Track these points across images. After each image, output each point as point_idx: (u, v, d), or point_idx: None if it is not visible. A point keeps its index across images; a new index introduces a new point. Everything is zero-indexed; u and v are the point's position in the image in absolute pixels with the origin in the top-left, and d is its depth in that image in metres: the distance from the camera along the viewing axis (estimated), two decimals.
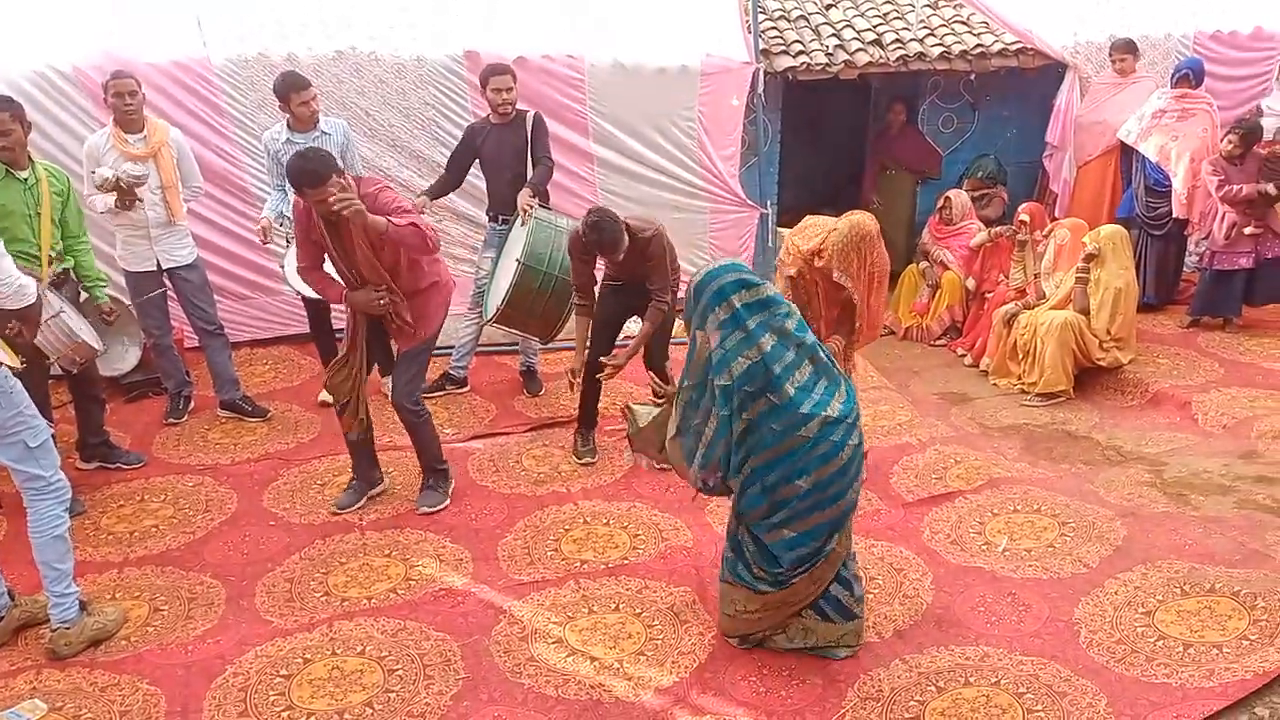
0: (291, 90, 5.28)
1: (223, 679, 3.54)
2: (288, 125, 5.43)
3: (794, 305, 3.45)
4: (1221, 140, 6.78)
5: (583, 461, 5.16)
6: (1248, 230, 6.63)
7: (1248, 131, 6.65)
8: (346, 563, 4.29)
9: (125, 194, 5.04)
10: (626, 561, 4.29)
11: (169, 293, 5.49)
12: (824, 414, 3.29)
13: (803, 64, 7.31)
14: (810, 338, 3.39)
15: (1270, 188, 6.54)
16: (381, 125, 6.51)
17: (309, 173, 4.04)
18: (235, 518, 4.68)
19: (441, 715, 3.36)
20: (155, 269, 5.34)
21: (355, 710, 3.38)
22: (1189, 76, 7.14)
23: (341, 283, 4.43)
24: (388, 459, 5.12)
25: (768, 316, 3.28)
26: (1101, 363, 6.08)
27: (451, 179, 5.83)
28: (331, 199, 4.05)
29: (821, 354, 3.40)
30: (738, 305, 3.26)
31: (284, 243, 5.64)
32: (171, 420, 5.62)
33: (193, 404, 5.77)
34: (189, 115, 6.13)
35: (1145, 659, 3.50)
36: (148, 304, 5.41)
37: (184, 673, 3.58)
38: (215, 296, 5.73)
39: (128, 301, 5.53)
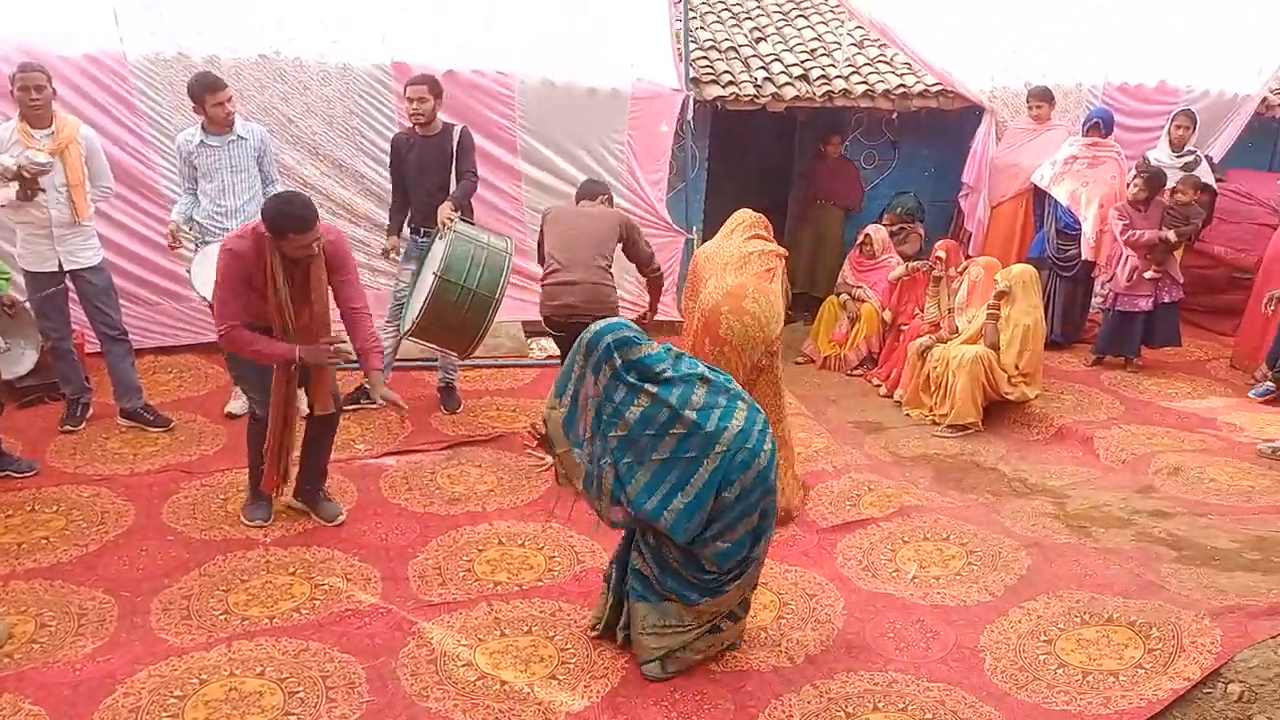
0: (206, 91, 5.14)
1: (112, 700, 3.37)
2: (202, 128, 5.28)
3: (674, 347, 3.63)
4: (1128, 186, 7.07)
5: None
6: (1148, 274, 6.92)
7: (1151, 177, 6.94)
8: (248, 580, 4.14)
9: (28, 184, 4.83)
10: (541, 583, 4.24)
11: (71, 295, 5.27)
12: (731, 425, 3.42)
13: (732, 94, 7.42)
14: (700, 367, 3.56)
15: (1171, 234, 6.84)
16: (304, 133, 6.39)
17: (297, 218, 3.96)
18: (131, 531, 4.49)
19: None
20: (57, 270, 5.13)
21: None
22: (1099, 125, 7.46)
23: (276, 340, 4.21)
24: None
25: (645, 370, 3.44)
26: (1010, 397, 6.26)
27: (401, 198, 5.76)
28: (315, 244, 4.02)
29: (714, 376, 3.57)
30: (618, 364, 3.42)
31: (193, 247, 5.48)
32: (68, 428, 5.38)
33: (91, 411, 5.53)
34: (101, 112, 5.93)
35: (1046, 686, 3.58)
36: (47, 305, 5.18)
37: (70, 693, 3.40)
38: (120, 301, 5.52)
39: (25, 301, 5.29)
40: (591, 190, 5.46)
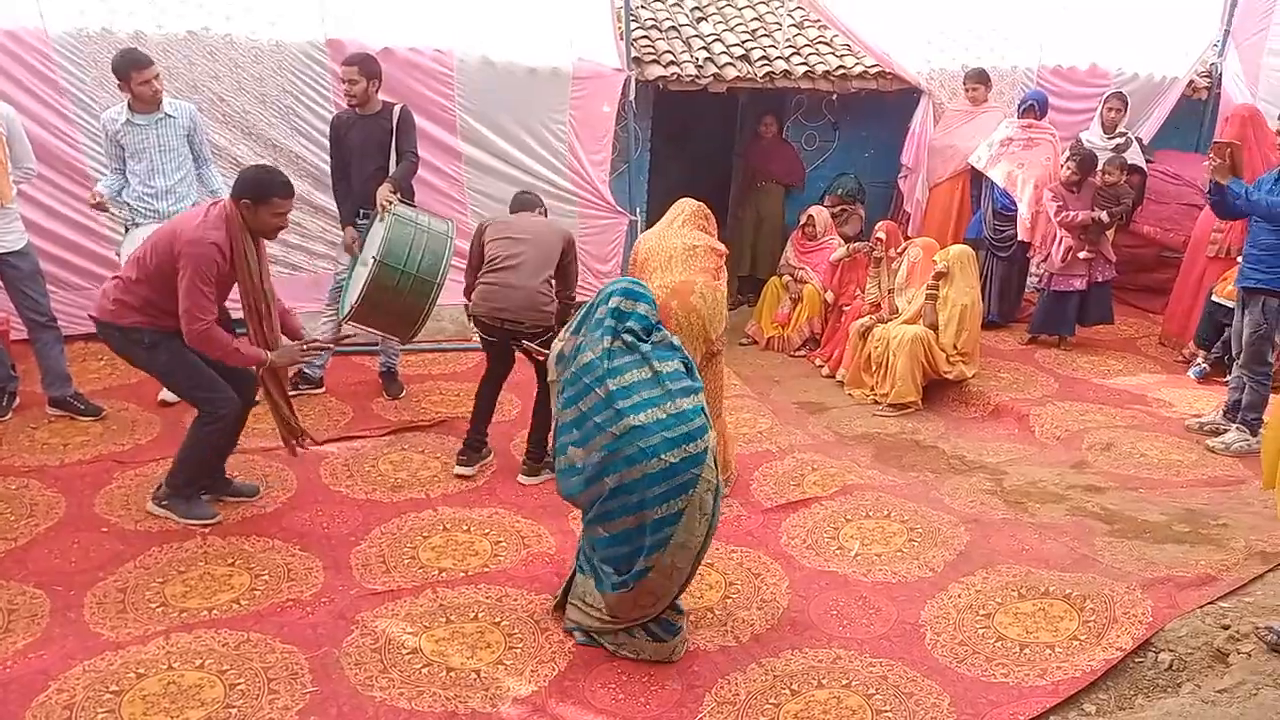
0: (131, 68, 4.97)
1: (45, 697, 3.28)
2: (128, 106, 5.11)
3: (673, 337, 3.69)
4: (1061, 168, 7.21)
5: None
6: (1081, 255, 7.07)
7: (1084, 160, 7.09)
8: (185, 572, 4.05)
9: None
10: (487, 569, 4.22)
11: None
12: (634, 418, 3.39)
13: (673, 74, 7.39)
14: (668, 365, 3.53)
15: (1103, 215, 7.00)
16: (236, 112, 6.21)
17: (283, 184, 4.13)
18: (63, 523, 4.36)
19: None
20: None
21: None
22: (1034, 108, 7.59)
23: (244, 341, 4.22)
24: (236, 463, 4.90)
25: (620, 325, 3.52)
26: (948, 376, 6.37)
27: (345, 185, 5.64)
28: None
29: (669, 370, 3.52)
30: (612, 305, 3.55)
31: (121, 230, 5.31)
32: None
33: (18, 400, 5.34)
34: (22, 91, 5.69)
35: (985, 659, 3.66)
36: None
37: (0, 691, 3.30)
38: (48, 286, 5.33)
39: None
40: (529, 202, 5.21)
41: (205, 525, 4.36)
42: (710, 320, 4.65)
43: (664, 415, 3.44)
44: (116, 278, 4.22)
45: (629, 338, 3.52)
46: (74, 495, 4.57)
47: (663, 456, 3.40)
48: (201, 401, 4.30)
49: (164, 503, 4.40)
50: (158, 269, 4.06)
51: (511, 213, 5.18)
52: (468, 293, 5.04)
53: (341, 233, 5.76)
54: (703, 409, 3.56)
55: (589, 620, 3.70)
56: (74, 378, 5.38)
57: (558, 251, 4.89)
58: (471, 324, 5.11)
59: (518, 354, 4.98)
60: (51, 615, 3.73)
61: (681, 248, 4.75)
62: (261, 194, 4.06)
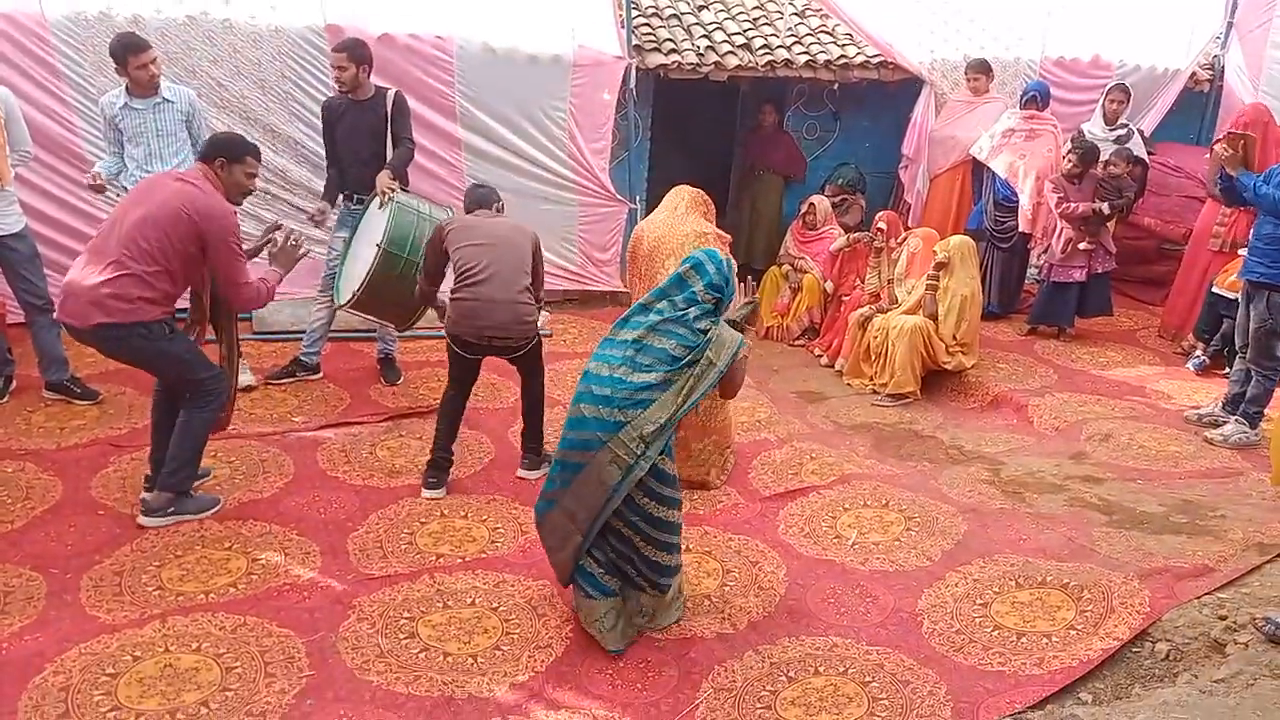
0: (129, 53, 4.95)
1: (41, 678, 3.28)
2: (126, 90, 5.09)
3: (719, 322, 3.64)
4: (1063, 160, 7.19)
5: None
6: (1082, 246, 7.06)
7: (1086, 152, 7.07)
8: (182, 556, 4.04)
9: None
10: (484, 555, 4.21)
11: None
12: (590, 361, 3.61)
13: (674, 62, 7.36)
14: (660, 341, 3.52)
15: (1104, 206, 6.98)
16: (234, 97, 6.20)
17: (253, 144, 4.24)
18: (59, 506, 4.35)
19: (283, 714, 3.21)
20: None
21: (189, 710, 3.18)
22: (1036, 98, 7.57)
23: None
24: (232, 448, 4.89)
25: (669, 287, 3.64)
26: (947, 366, 6.36)
27: (337, 172, 5.61)
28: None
29: (657, 345, 3.51)
30: (678, 271, 3.67)
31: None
32: None
33: (14, 384, 5.34)
34: (20, 75, 5.70)
35: (982, 648, 3.66)
36: None
37: None
38: (45, 270, 5.32)
39: None
40: (487, 198, 4.79)
41: (209, 515, 4.33)
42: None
43: (606, 373, 3.50)
44: (121, 276, 3.87)
45: (663, 302, 3.57)
46: (70, 479, 4.56)
47: (580, 405, 3.51)
48: (208, 381, 4.19)
49: (170, 511, 4.23)
50: (179, 255, 3.94)
51: (469, 211, 4.78)
52: (427, 299, 4.82)
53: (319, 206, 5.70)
54: (652, 400, 3.44)
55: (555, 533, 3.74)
56: (70, 362, 5.37)
57: (529, 255, 4.60)
58: (449, 340, 4.63)
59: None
60: (47, 598, 3.72)
61: (693, 234, 4.74)
62: (236, 152, 4.10)
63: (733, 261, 3.76)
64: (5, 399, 5.25)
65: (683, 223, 4.85)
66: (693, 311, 3.54)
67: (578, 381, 3.61)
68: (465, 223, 4.63)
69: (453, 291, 4.51)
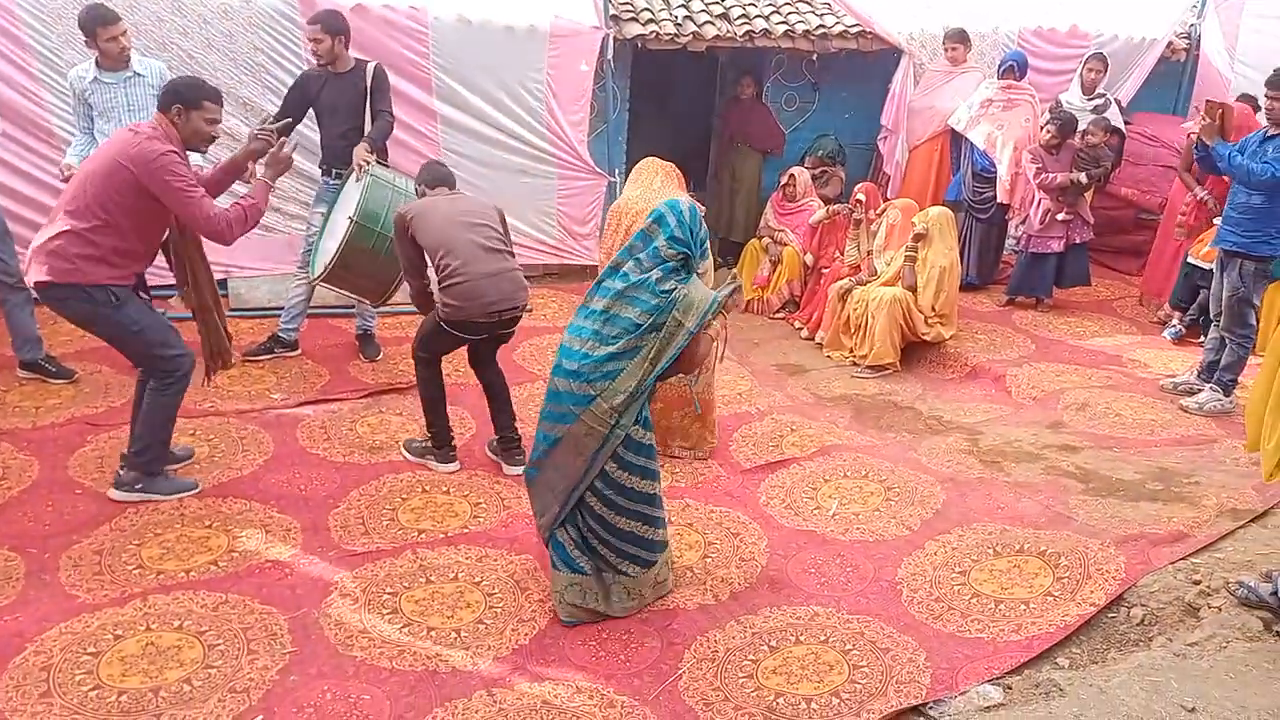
0: (98, 25, 4.86)
1: (21, 659, 3.27)
2: (96, 64, 5.01)
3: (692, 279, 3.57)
4: (1040, 130, 7.20)
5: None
6: (1060, 217, 7.09)
7: (1064, 123, 7.08)
8: (162, 534, 4.03)
9: None
10: (466, 530, 4.22)
11: None
12: (565, 334, 3.60)
13: (652, 33, 7.29)
14: (628, 310, 3.46)
15: (1082, 177, 7.01)
16: (206, 69, 6.08)
17: (212, 88, 4.04)
18: (36, 486, 4.31)
19: (266, 691, 3.21)
20: None
21: (172, 687, 3.18)
22: (1014, 69, 7.57)
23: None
24: (210, 426, 4.86)
25: (632, 243, 3.56)
26: (926, 337, 6.39)
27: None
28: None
29: (624, 315, 3.44)
30: (641, 228, 3.58)
31: None
32: None
33: None
34: None
35: (960, 615, 3.70)
36: None
37: None
38: (15, 247, 5.24)
39: None
40: (447, 176, 4.71)
41: (189, 495, 4.29)
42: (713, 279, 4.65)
43: (576, 347, 3.48)
44: (62, 233, 3.83)
45: (629, 262, 3.50)
46: (47, 458, 4.53)
47: (555, 379, 3.52)
48: (165, 360, 4.09)
49: (138, 487, 4.21)
50: (120, 206, 3.83)
51: (430, 188, 4.62)
52: (421, 299, 4.63)
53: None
54: (620, 370, 3.42)
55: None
56: (45, 340, 5.30)
57: (503, 224, 4.53)
58: (446, 327, 4.43)
59: None
60: (26, 578, 3.70)
61: (659, 191, 4.75)
62: (193, 97, 3.91)
63: (697, 209, 3.63)
64: None
65: (662, 195, 4.82)
66: (655, 274, 3.43)
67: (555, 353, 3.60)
68: (427, 207, 4.44)
69: (444, 278, 4.31)
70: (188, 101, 3.90)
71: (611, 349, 3.43)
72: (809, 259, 7.37)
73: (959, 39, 7.82)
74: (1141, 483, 4.65)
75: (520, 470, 4.66)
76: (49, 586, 3.66)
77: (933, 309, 6.39)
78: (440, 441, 4.70)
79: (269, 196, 4.15)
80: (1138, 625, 3.63)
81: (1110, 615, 3.68)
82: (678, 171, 5.07)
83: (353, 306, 5.90)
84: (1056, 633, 3.57)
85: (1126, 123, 8.06)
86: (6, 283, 5.08)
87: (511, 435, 4.76)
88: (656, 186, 4.91)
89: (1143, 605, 3.70)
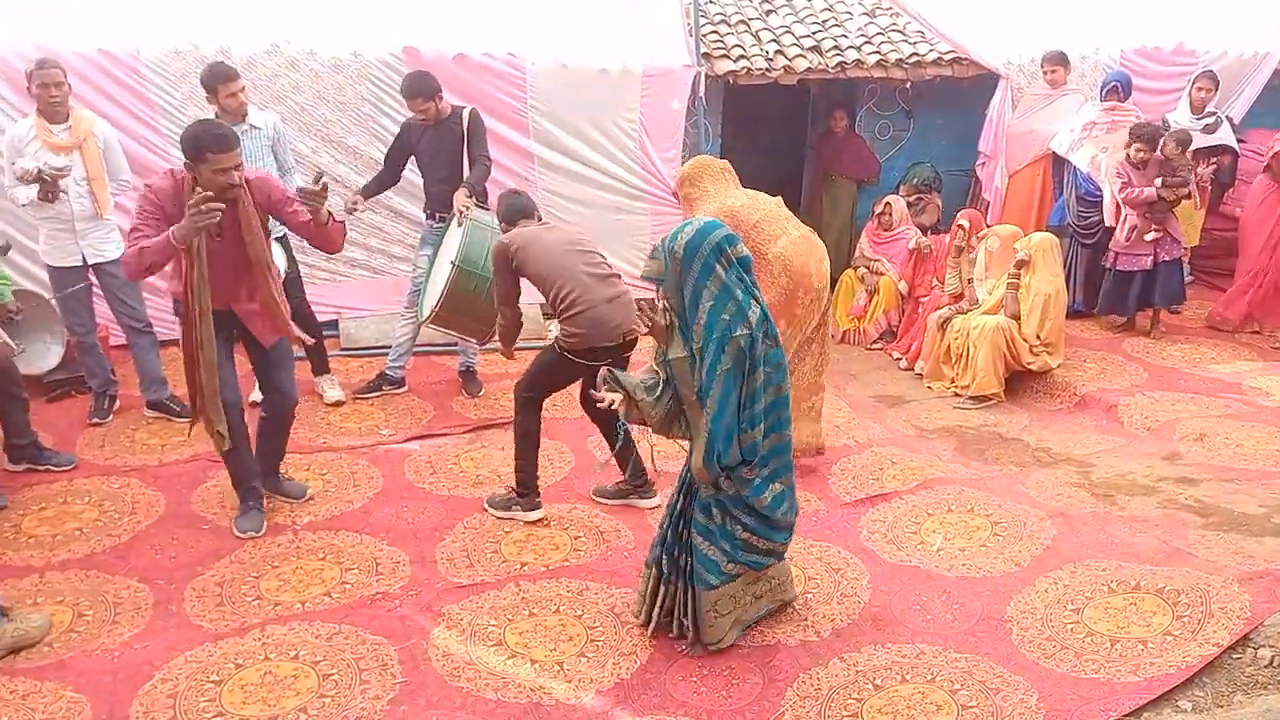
0: (219, 82, 5.16)
1: (150, 685, 3.44)
2: (215, 118, 5.29)
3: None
4: (1128, 148, 6.95)
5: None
6: (1148, 236, 6.83)
7: (1149, 139, 6.82)
8: (279, 566, 4.19)
9: (48, 186, 4.89)
10: (567, 563, 4.27)
11: (95, 289, 5.33)
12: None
13: (743, 68, 7.37)
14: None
15: (1157, 185, 6.70)
16: (317, 121, 6.41)
17: (216, 136, 3.84)
18: (163, 520, 4.55)
19: None
20: (81, 264, 5.19)
21: (289, 715, 3.30)
22: (1118, 89, 7.37)
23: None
24: (323, 461, 5.05)
25: (747, 269, 3.46)
26: (1031, 366, 6.23)
27: (387, 176, 5.77)
28: (236, 170, 3.91)
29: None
30: (734, 259, 3.39)
31: None
32: (96, 420, 5.44)
33: (118, 404, 5.59)
34: (117, 107, 5.97)
35: (1074, 655, 3.58)
36: (72, 300, 5.24)
37: (109, 680, 3.47)
38: (143, 293, 5.57)
39: (50, 297, 5.35)
40: (530, 208, 4.73)
41: (250, 539, 4.38)
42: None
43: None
44: None
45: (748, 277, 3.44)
46: (172, 493, 4.77)
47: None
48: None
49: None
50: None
51: (513, 220, 4.63)
52: (510, 331, 4.64)
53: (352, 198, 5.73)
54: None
55: (750, 611, 3.74)
56: (169, 380, 5.60)
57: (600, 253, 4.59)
58: (571, 357, 4.40)
59: None
60: (154, 608, 3.90)
61: (775, 204, 4.85)
62: (195, 150, 3.80)
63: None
64: (110, 418, 5.50)
65: (758, 195, 4.95)
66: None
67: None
68: (530, 238, 4.44)
69: (566, 308, 4.31)
70: (191, 156, 3.83)
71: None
72: (903, 287, 7.28)
73: (1058, 61, 7.66)
74: (1266, 516, 4.43)
75: (658, 502, 4.69)
76: (175, 616, 3.85)
77: (1038, 337, 6.22)
78: (526, 487, 4.61)
79: (170, 247, 3.85)
80: (1266, 667, 3.44)
81: (1235, 656, 3.50)
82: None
83: (456, 344, 6.07)
84: (1178, 674, 3.41)
85: (1240, 140, 7.76)
86: (134, 327, 5.39)
87: (640, 469, 4.71)
88: (740, 188, 5.02)
89: (1270, 646, 3.51)
